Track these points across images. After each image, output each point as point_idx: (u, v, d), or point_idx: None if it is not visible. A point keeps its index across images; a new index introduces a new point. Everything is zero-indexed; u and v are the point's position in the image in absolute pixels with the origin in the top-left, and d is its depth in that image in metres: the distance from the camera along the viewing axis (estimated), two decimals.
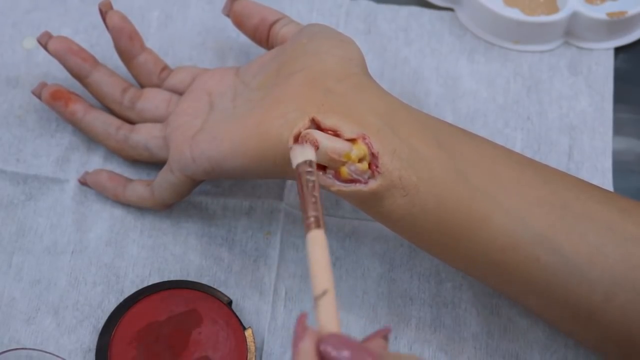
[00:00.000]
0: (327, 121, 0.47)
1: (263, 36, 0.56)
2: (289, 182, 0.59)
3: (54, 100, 0.57)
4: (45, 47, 0.57)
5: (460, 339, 0.55)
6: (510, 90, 0.62)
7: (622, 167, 0.60)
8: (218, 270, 0.56)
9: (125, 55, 0.58)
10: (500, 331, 0.55)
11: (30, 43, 0.62)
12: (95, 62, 0.58)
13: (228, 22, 0.59)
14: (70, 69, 0.57)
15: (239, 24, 0.58)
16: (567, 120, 0.61)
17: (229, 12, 0.58)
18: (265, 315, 0.55)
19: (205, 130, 0.52)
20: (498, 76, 0.62)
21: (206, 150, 0.51)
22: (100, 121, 0.57)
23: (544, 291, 0.48)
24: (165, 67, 0.59)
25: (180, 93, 0.58)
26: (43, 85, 0.58)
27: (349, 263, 0.57)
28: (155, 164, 0.58)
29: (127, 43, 0.57)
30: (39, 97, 0.58)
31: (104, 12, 0.57)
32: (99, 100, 0.59)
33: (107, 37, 0.58)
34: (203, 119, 0.54)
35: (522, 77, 0.62)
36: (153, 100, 0.57)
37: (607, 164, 0.60)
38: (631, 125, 0.62)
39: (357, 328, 0.55)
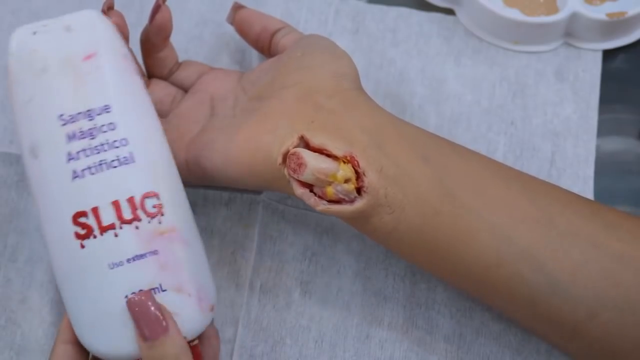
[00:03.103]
0: (315, 139, 0.47)
1: (265, 45, 0.57)
2: None
3: None
4: None
5: (432, 340, 0.55)
6: (495, 95, 0.61)
7: (622, 167, 0.59)
8: None
9: (152, 49, 0.57)
10: (472, 334, 0.55)
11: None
12: None
13: (226, 15, 0.59)
14: None
15: (242, 32, 0.58)
16: (551, 127, 0.60)
17: (232, 21, 0.58)
18: (239, 308, 0.56)
19: (203, 137, 0.52)
20: (484, 80, 0.62)
21: (200, 158, 0.52)
22: None
23: (529, 307, 0.48)
24: (176, 62, 0.59)
25: (185, 89, 0.58)
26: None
27: (325, 259, 0.57)
28: None
29: (161, 41, 0.56)
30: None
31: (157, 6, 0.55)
32: None
33: None
34: (202, 125, 0.54)
35: (508, 82, 0.61)
36: (158, 93, 0.57)
37: (589, 171, 0.59)
38: (631, 125, 0.61)
39: (330, 325, 0.55)
